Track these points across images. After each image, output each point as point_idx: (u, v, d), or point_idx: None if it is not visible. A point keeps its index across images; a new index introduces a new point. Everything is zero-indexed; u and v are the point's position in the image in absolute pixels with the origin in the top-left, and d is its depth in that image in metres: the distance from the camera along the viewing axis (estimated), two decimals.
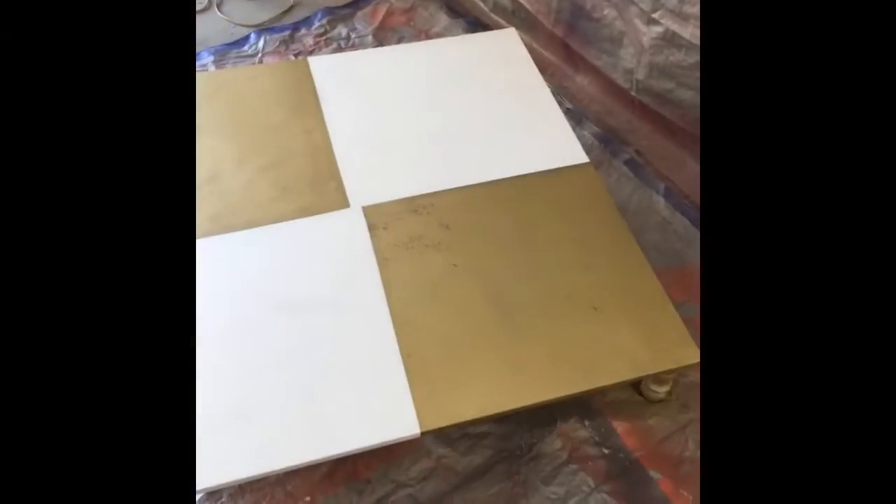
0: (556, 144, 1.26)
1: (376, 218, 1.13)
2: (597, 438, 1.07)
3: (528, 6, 1.56)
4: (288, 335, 0.99)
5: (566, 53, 1.55)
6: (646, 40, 1.29)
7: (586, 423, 1.08)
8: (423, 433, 0.90)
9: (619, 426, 1.08)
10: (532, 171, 1.21)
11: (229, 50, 1.64)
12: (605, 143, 1.48)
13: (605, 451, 1.05)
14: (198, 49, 1.65)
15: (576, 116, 1.52)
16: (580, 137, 1.30)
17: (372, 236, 1.11)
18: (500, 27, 1.65)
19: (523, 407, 0.96)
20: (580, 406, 1.09)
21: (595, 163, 1.30)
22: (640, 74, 1.34)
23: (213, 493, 0.99)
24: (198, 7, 1.78)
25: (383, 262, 1.07)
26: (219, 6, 1.78)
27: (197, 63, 1.62)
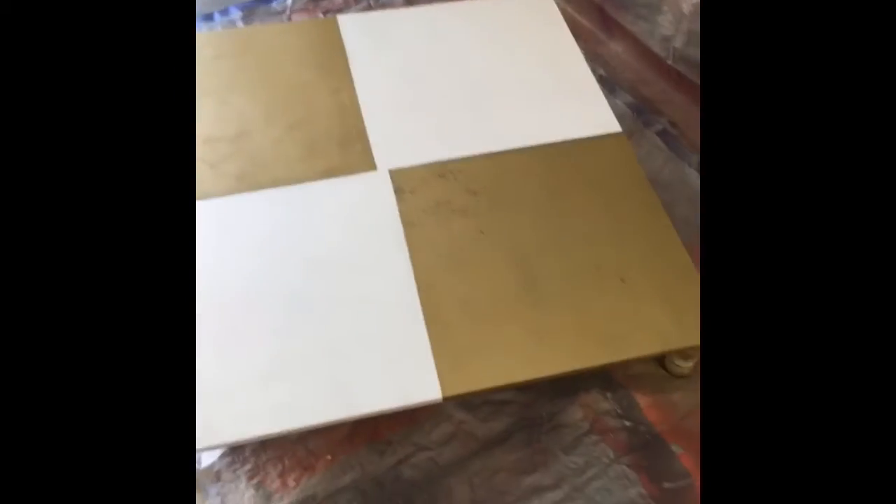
0: (588, 113, 1.23)
1: (403, 182, 1.12)
2: (619, 411, 1.06)
3: None
4: (311, 295, 0.99)
5: (601, 19, 1.51)
6: (685, 6, 1.25)
7: (608, 395, 1.07)
8: (445, 398, 0.91)
9: (642, 399, 1.07)
10: (562, 139, 1.19)
11: (257, 6, 1.62)
12: (638, 112, 1.45)
13: (627, 424, 1.05)
14: (226, 5, 1.63)
15: (609, 85, 1.49)
16: (613, 106, 1.27)
17: (398, 200, 1.10)
18: None
19: (546, 377, 0.95)
20: (603, 378, 1.09)
21: (627, 132, 1.27)
22: (678, 42, 1.30)
23: (238, 448, 1.00)
24: None
25: (409, 227, 1.06)
26: None
27: (225, 19, 1.60)
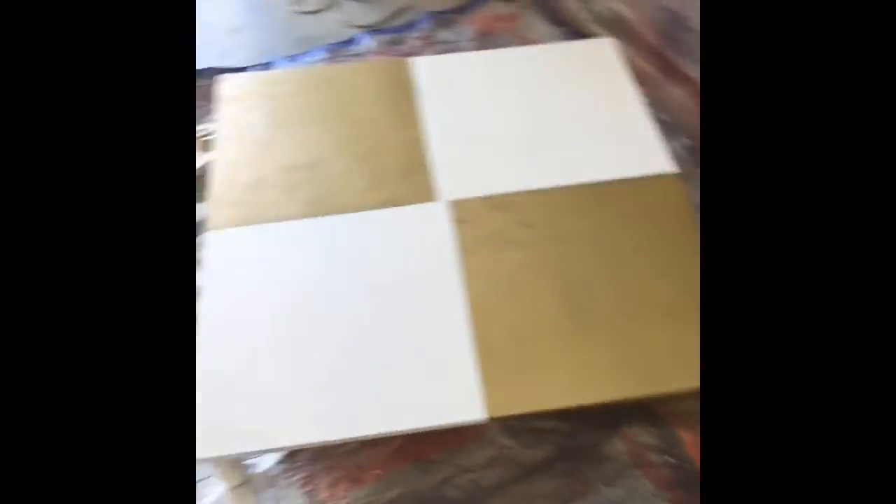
0: (644, 153, 1.27)
1: (461, 212, 1.18)
2: (662, 446, 1.07)
3: (627, 17, 1.57)
4: (369, 314, 1.05)
5: (663, 65, 1.54)
6: None
7: (652, 430, 1.08)
8: (490, 419, 0.94)
9: (686, 437, 1.07)
10: (616, 177, 1.22)
11: (341, 48, 1.74)
12: (697, 156, 1.47)
13: (670, 461, 1.05)
14: (312, 47, 1.75)
15: (669, 128, 1.51)
16: (672, 149, 1.30)
17: (455, 229, 1.15)
18: (599, 37, 1.67)
19: (588, 405, 0.97)
20: (647, 413, 1.10)
21: (685, 175, 1.30)
22: None
23: (294, 453, 1.06)
24: (315, 8, 1.89)
25: (464, 254, 1.12)
26: (334, 7, 1.89)
27: (308, 59, 1.72)
